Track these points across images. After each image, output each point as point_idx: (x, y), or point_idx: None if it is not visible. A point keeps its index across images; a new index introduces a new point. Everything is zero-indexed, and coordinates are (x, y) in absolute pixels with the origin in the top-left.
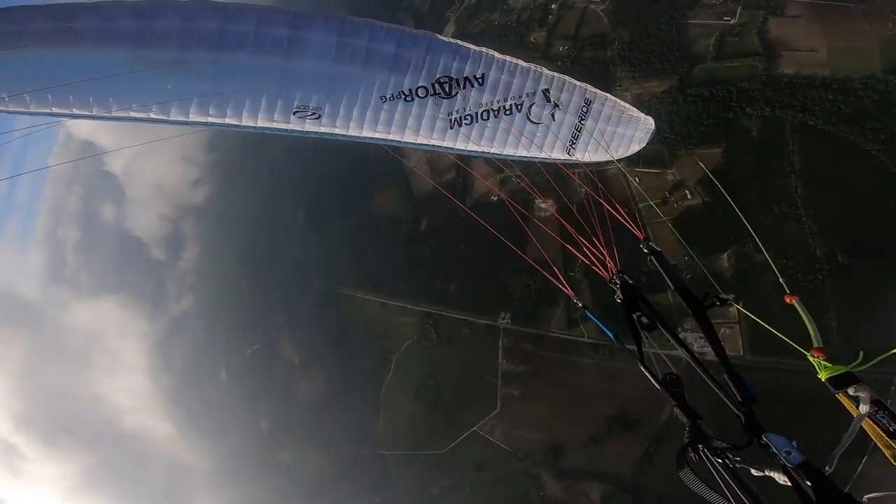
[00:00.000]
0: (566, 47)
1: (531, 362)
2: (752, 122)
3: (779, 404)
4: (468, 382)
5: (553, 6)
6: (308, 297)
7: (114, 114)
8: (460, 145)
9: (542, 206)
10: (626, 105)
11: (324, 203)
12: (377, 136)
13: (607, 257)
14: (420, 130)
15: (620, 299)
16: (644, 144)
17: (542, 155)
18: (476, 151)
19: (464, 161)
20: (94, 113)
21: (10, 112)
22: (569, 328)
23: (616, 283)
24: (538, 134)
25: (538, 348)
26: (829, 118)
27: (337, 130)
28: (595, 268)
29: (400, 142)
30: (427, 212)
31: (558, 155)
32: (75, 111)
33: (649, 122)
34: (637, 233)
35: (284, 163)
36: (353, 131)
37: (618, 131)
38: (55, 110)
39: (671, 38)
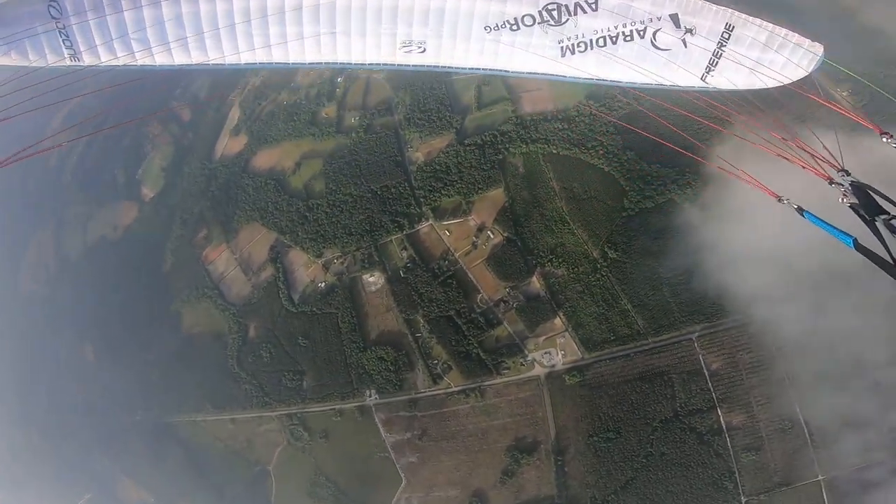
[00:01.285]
0: (357, 118)
1: (414, 426)
2: (518, 160)
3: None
4: (362, 466)
5: (339, 79)
6: (132, 433)
7: (232, 60)
8: (573, 73)
9: (370, 280)
10: (783, 30)
11: (115, 334)
12: (483, 65)
13: (829, 154)
14: (528, 59)
15: (851, 202)
16: (809, 71)
17: (670, 82)
18: (591, 79)
19: (280, 254)
20: (218, 60)
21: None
22: (435, 384)
23: (842, 185)
24: (665, 61)
25: (415, 411)
26: (564, 144)
27: (442, 62)
28: (810, 168)
29: (507, 72)
30: (251, 317)
31: (690, 82)
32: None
33: (816, 48)
34: (871, 126)
35: (46, 294)
36: (458, 62)
37: (769, 58)
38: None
39: (442, 94)
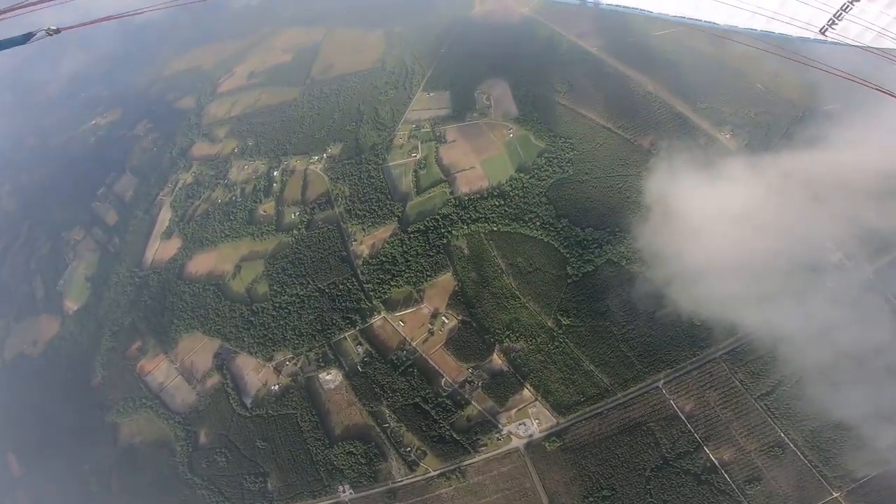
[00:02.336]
0: (298, 213)
1: None
2: (462, 242)
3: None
4: None
5: (275, 173)
6: None
7: None
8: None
9: (328, 378)
10: None
11: (42, 447)
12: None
13: None
14: None
15: None
16: None
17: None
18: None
19: (226, 360)
20: None
21: None
22: (412, 471)
23: None
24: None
25: (395, 502)
26: (503, 220)
27: None
28: None
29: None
30: (200, 423)
31: (805, 33)
32: None
33: None
34: None
35: None
36: None
37: None
38: None
39: (381, 183)
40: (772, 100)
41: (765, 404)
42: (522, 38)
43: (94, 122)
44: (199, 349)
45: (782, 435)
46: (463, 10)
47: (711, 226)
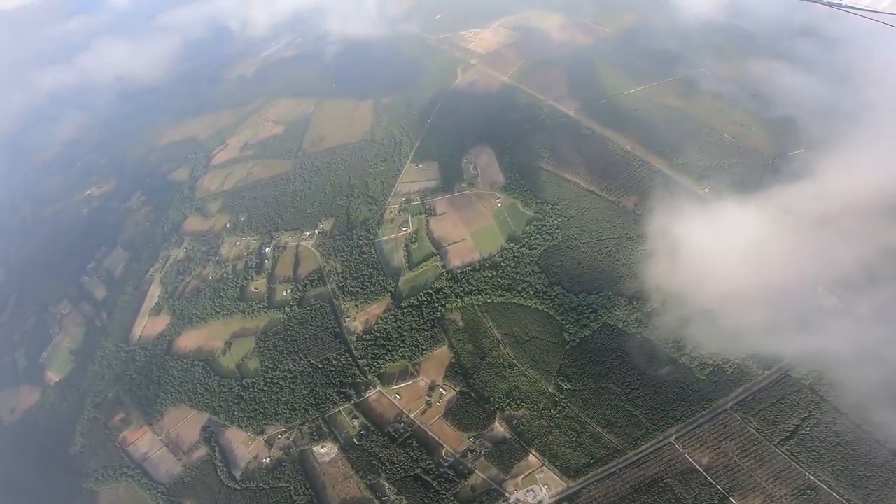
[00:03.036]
0: (289, 291)
1: None
2: (456, 315)
3: None
4: None
5: (266, 250)
6: None
7: None
8: None
9: (322, 451)
10: None
11: None
12: None
13: None
14: None
15: None
16: None
17: None
18: None
19: (215, 433)
20: None
21: None
22: None
23: None
24: None
25: None
26: (496, 292)
27: None
28: None
29: None
30: (186, 494)
31: None
32: None
33: None
34: None
35: None
36: None
37: None
38: None
39: (373, 258)
40: (741, 150)
41: (786, 449)
42: (504, 105)
43: (88, 192)
44: (186, 422)
45: (812, 477)
46: (447, 80)
47: (706, 280)
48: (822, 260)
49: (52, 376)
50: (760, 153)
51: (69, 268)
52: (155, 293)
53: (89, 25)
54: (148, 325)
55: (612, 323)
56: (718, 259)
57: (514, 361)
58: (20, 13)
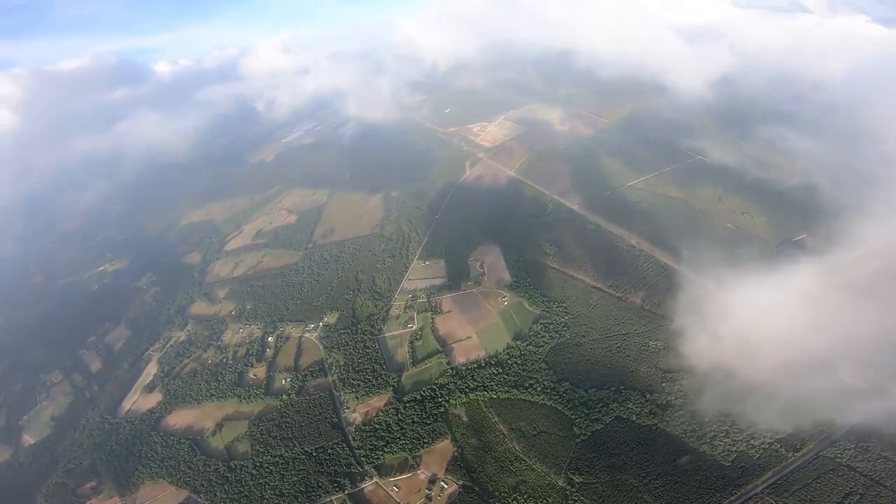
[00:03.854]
0: (289, 380)
1: None
2: (460, 410)
3: None
4: None
5: (269, 339)
6: None
7: None
8: None
9: None
10: None
11: None
12: None
13: None
14: None
15: None
16: None
17: None
18: None
19: None
20: None
21: None
22: None
23: None
24: None
25: None
26: (503, 388)
27: None
28: None
29: None
30: None
31: None
32: None
33: None
34: None
35: None
36: None
37: None
38: None
39: (376, 353)
40: (744, 238)
41: None
42: (510, 200)
43: (101, 269)
44: (163, 498)
45: None
46: (455, 173)
47: (723, 368)
48: (835, 337)
49: (29, 439)
50: (763, 240)
51: (69, 339)
52: (151, 371)
53: (132, 95)
54: (139, 401)
55: (624, 416)
56: (732, 346)
57: (522, 455)
58: (74, 75)
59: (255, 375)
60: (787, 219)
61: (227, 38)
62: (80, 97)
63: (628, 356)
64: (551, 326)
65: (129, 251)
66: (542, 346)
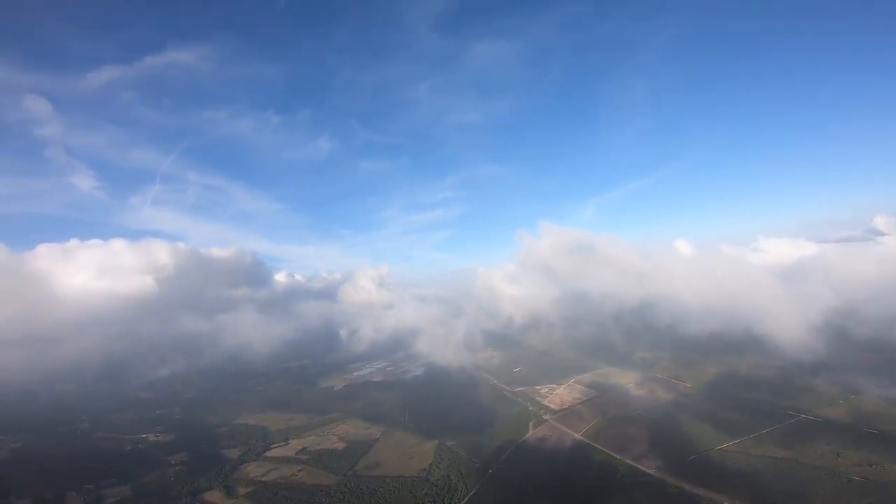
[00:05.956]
0: None
1: None
2: None
3: None
4: None
5: None
6: None
7: None
8: None
9: None
10: None
11: None
12: None
13: None
14: None
15: None
16: None
17: None
18: None
19: None
20: None
21: None
22: None
23: None
24: None
25: None
26: None
27: None
28: None
29: None
30: None
31: None
32: None
33: None
34: None
35: None
36: None
37: None
38: None
39: None
40: (877, 488)
41: None
42: (576, 463)
43: (144, 436)
44: None
45: None
46: (516, 433)
47: None
48: None
49: None
50: None
51: (67, 479)
52: None
53: (249, 294)
54: None
55: None
56: None
57: None
58: (218, 261)
59: None
60: None
61: (338, 262)
62: (212, 283)
63: None
64: None
65: (178, 430)
66: None
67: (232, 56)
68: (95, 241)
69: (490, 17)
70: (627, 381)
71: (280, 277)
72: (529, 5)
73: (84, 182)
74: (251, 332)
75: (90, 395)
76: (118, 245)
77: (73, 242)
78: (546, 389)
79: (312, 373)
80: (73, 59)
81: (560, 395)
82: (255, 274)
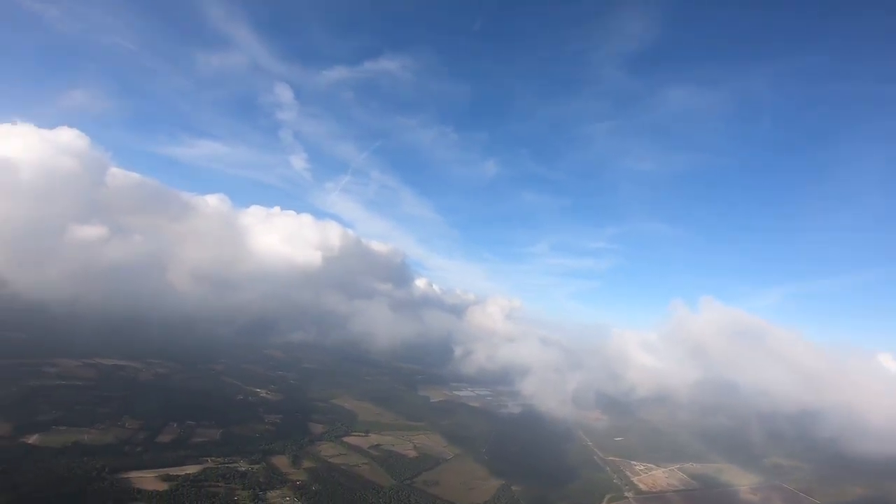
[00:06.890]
0: None
1: None
2: None
3: None
4: None
5: None
6: None
7: None
8: None
9: None
10: None
11: None
12: None
13: None
14: None
15: None
16: None
17: None
18: None
19: None
20: None
21: None
22: None
23: None
24: None
25: None
26: None
27: None
28: None
29: None
30: None
31: None
32: None
33: None
34: None
35: None
36: None
37: None
38: None
39: None
40: None
41: None
42: None
43: (258, 390)
44: None
45: None
46: (588, 499)
47: None
48: None
49: None
50: None
51: (173, 414)
52: None
53: (389, 290)
54: None
55: None
56: None
57: None
58: (372, 254)
59: None
60: None
61: (475, 283)
62: (363, 271)
63: None
64: None
65: (285, 393)
66: None
67: (427, 69)
68: (290, 212)
69: (689, 64)
70: (742, 482)
71: (420, 283)
72: (739, 53)
73: (298, 162)
74: (379, 325)
75: (234, 341)
76: (306, 219)
77: (276, 209)
78: (642, 467)
79: (418, 379)
80: (317, 56)
81: (655, 476)
82: (399, 274)
